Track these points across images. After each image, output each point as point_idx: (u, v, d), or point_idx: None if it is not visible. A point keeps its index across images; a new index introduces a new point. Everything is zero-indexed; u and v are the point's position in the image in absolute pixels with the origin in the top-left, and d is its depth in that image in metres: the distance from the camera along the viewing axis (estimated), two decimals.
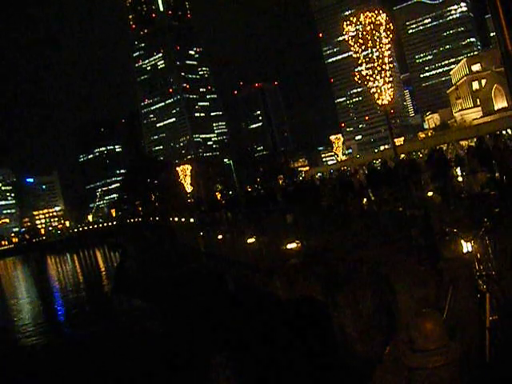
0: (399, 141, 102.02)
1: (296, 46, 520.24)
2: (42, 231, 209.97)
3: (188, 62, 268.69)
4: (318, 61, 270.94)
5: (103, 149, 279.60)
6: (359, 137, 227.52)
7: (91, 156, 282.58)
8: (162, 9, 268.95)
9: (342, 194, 20.12)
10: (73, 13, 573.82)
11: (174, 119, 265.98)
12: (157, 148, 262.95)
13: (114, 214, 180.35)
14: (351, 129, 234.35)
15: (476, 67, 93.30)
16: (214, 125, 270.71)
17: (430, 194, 17.25)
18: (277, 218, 24.75)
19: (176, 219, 54.56)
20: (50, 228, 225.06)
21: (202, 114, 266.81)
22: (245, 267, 20.56)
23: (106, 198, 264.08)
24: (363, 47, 14.68)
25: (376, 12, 14.70)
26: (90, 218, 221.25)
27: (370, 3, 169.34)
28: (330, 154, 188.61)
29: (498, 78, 76.44)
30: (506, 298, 5.16)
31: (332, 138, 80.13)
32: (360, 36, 14.71)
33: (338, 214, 19.74)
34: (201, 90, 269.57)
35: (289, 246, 16.81)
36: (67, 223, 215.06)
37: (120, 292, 35.94)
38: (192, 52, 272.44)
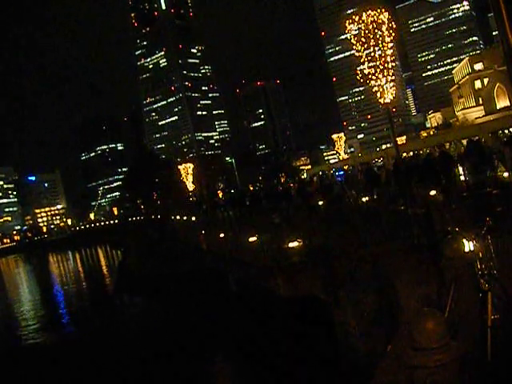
0: (401, 140, 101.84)
1: (298, 45, 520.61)
2: (44, 229, 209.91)
3: (190, 60, 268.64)
4: (320, 59, 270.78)
5: (105, 147, 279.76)
6: (361, 135, 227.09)
7: (93, 154, 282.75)
8: (164, 7, 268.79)
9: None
10: (75, 10, 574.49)
11: (176, 117, 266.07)
12: (159, 146, 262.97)
13: (115, 212, 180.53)
14: (353, 127, 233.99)
15: (478, 66, 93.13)
16: (216, 123, 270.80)
17: (432, 192, 17.20)
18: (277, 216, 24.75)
19: (178, 217, 54.58)
20: (52, 226, 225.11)
21: (204, 113, 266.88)
22: (246, 265, 20.57)
23: (108, 196, 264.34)
24: (365, 46, 14.67)
25: (378, 11, 14.70)
26: (91, 216, 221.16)
27: (372, 2, 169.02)
28: (331, 152, 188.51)
29: (501, 77, 76.26)
30: (507, 297, 5.16)
31: (334, 136, 79.76)
32: (362, 35, 14.71)
33: (338, 212, 19.73)
34: (203, 88, 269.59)
35: (290, 245, 16.84)
36: (69, 221, 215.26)
37: (122, 290, 35.98)
38: (194, 50, 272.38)
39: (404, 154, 40.41)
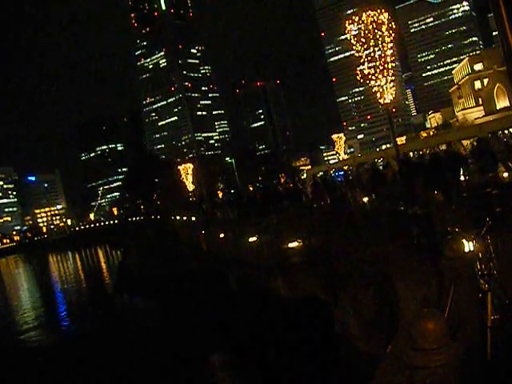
0: (401, 140, 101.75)
1: (298, 45, 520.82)
2: (44, 229, 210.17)
3: (190, 60, 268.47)
4: (320, 60, 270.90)
5: (105, 147, 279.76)
6: (361, 136, 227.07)
7: (93, 154, 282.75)
8: (163, 7, 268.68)
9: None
10: (75, 10, 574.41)
11: (175, 118, 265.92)
12: (159, 146, 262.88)
13: (115, 213, 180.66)
14: (353, 128, 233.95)
15: (478, 66, 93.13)
16: (216, 123, 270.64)
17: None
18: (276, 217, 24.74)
19: (178, 218, 54.64)
20: (52, 226, 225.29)
21: (204, 113, 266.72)
22: (246, 266, 20.58)
23: (108, 196, 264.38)
24: (365, 46, 14.68)
25: (378, 11, 14.70)
26: (91, 216, 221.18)
27: (372, 2, 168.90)
28: (331, 152, 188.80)
29: (501, 77, 76.23)
30: (507, 297, 5.15)
31: (334, 136, 79.68)
32: (362, 35, 14.71)
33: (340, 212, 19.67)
34: (203, 88, 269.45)
35: (290, 245, 16.84)
36: (69, 221, 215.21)
37: (121, 290, 35.97)
38: (194, 50, 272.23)
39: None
